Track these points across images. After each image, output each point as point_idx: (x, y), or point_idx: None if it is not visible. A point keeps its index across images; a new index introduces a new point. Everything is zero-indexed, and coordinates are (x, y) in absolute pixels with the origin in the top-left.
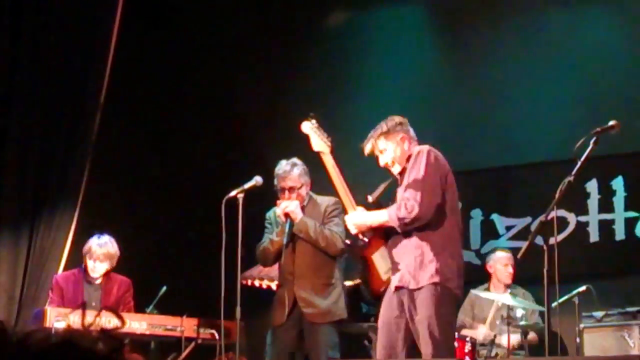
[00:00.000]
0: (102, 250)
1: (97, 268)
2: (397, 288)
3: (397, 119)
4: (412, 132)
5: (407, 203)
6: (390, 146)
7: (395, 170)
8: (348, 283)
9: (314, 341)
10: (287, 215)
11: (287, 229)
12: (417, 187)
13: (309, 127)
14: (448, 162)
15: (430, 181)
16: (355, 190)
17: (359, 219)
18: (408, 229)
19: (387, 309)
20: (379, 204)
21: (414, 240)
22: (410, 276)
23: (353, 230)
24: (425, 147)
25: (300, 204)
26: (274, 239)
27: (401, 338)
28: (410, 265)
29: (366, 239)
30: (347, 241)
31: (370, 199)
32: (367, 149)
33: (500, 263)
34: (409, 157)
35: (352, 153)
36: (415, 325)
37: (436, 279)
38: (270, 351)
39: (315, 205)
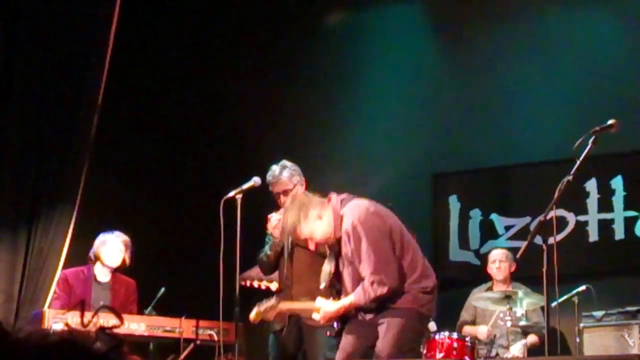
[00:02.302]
0: (119, 239)
1: (115, 257)
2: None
3: (299, 197)
4: (316, 197)
5: (372, 284)
6: (313, 229)
7: (330, 243)
8: None
9: (313, 343)
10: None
11: (288, 238)
12: (371, 264)
13: None
14: (447, 162)
15: (380, 251)
16: (357, 183)
17: (329, 312)
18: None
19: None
20: (331, 287)
21: None
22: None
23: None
24: (355, 216)
25: None
26: (268, 252)
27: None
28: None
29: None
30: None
31: (322, 286)
32: (289, 233)
33: (490, 261)
34: (340, 224)
35: (350, 154)
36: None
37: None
38: (272, 355)
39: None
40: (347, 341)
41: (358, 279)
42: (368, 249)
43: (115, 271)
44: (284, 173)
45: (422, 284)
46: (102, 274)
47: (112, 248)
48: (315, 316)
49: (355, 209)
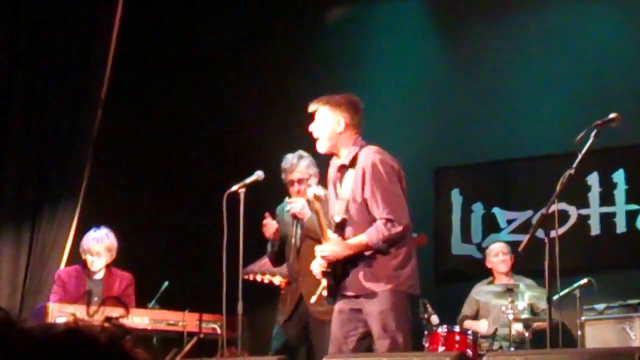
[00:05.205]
0: (99, 244)
1: (95, 262)
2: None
3: (354, 100)
4: (357, 119)
5: (387, 223)
6: (327, 120)
7: (320, 146)
8: None
9: (320, 336)
10: (294, 215)
11: (297, 230)
12: (388, 204)
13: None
14: (449, 156)
15: (397, 193)
16: None
17: (337, 251)
18: (389, 245)
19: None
20: (343, 223)
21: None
22: (364, 283)
23: (330, 259)
24: (376, 156)
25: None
26: (269, 250)
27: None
28: (365, 272)
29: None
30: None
31: (338, 219)
32: (311, 108)
33: (492, 255)
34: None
35: None
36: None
37: (390, 286)
38: (274, 345)
39: (324, 201)
40: (332, 335)
41: (365, 218)
42: (387, 188)
43: (110, 265)
44: (303, 162)
45: (408, 258)
46: (94, 269)
47: (92, 256)
48: (320, 249)
49: (374, 151)
